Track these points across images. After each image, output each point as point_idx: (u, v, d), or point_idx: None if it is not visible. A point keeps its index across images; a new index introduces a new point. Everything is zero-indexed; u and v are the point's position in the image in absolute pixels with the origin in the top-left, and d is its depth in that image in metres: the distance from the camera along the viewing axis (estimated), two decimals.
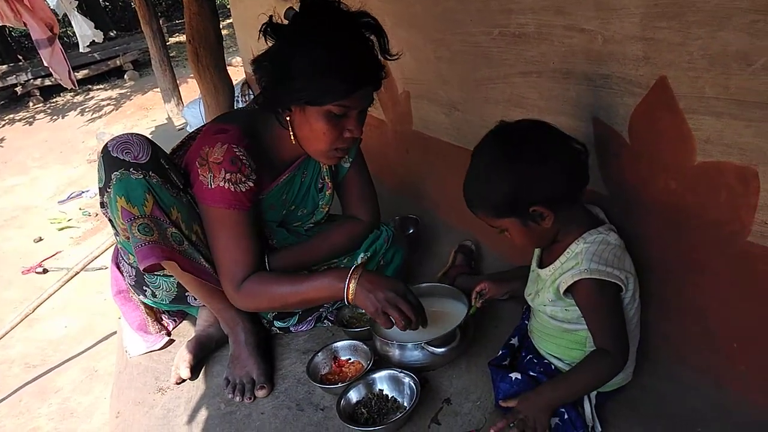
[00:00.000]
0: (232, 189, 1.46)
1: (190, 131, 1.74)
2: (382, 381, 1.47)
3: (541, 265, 1.35)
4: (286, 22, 1.44)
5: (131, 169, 1.41)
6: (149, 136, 1.52)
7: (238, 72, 6.45)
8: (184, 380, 1.67)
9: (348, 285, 1.39)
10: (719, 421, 1.23)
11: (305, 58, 1.34)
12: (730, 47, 1.02)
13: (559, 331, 1.32)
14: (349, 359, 1.61)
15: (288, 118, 1.48)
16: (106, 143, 1.46)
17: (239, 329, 1.63)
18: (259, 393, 1.55)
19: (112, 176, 1.41)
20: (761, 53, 0.98)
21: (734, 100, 1.05)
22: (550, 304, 1.30)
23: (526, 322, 1.50)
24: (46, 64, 4.43)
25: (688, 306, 1.33)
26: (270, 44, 1.43)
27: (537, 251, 1.40)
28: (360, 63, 1.36)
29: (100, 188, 1.47)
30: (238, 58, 7.37)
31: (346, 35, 1.36)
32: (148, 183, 1.42)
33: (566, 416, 1.21)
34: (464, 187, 1.26)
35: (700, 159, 1.16)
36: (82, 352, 3.19)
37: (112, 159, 1.42)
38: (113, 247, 1.81)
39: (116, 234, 1.57)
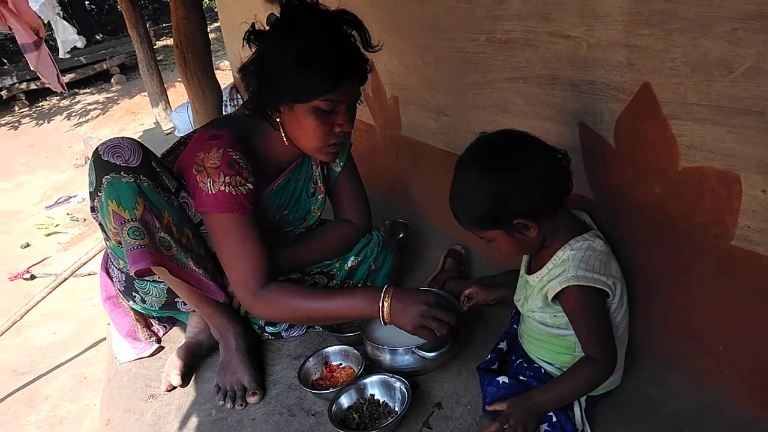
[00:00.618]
0: (233, 192, 1.45)
1: (179, 136, 1.74)
2: (373, 386, 1.47)
3: (530, 271, 1.36)
4: (268, 28, 1.45)
5: (122, 173, 1.41)
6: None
7: (226, 76, 6.45)
8: (174, 387, 1.66)
9: (382, 306, 1.40)
10: (706, 423, 1.25)
11: (288, 56, 1.36)
12: (711, 54, 1.04)
13: (548, 336, 1.33)
14: (341, 364, 1.61)
15: (278, 120, 1.49)
16: (97, 147, 1.46)
17: (230, 335, 1.63)
18: (251, 399, 1.55)
19: (103, 180, 1.41)
20: (741, 61, 1.00)
21: (716, 106, 1.07)
22: (539, 310, 1.31)
23: (515, 326, 1.52)
24: (32, 68, 4.39)
25: (675, 309, 1.35)
26: (254, 50, 1.45)
27: (525, 257, 1.41)
28: (341, 56, 1.38)
29: (90, 192, 1.47)
30: (226, 62, 7.35)
31: (326, 31, 1.38)
32: (139, 187, 1.42)
33: (555, 419, 1.22)
34: (449, 201, 1.27)
35: (683, 164, 1.18)
36: (71, 358, 3.17)
37: (103, 163, 1.42)
38: (102, 252, 1.80)
39: (106, 239, 1.56)
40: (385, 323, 1.43)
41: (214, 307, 1.62)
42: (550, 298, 1.26)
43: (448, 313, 1.39)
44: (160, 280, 1.58)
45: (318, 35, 1.37)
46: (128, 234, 1.39)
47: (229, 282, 1.55)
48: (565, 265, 1.23)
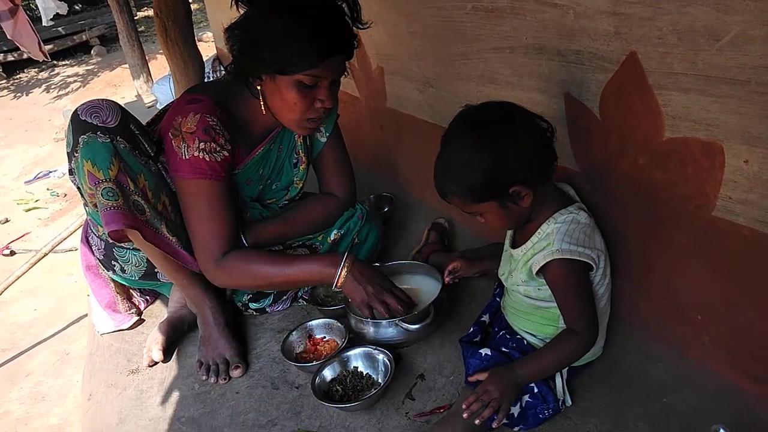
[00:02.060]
0: (207, 158, 1.44)
1: (161, 108, 1.71)
2: (356, 358, 1.47)
3: (514, 245, 1.36)
4: None
5: (98, 133, 1.39)
6: None
7: (209, 48, 6.31)
8: (156, 363, 1.65)
9: (340, 272, 1.46)
10: (684, 391, 1.27)
11: (276, 25, 1.34)
12: (698, 23, 1.03)
13: (532, 308, 1.33)
14: (324, 337, 1.61)
15: (259, 88, 1.46)
16: (77, 108, 1.44)
17: (206, 309, 1.62)
18: (234, 373, 1.54)
19: (80, 140, 1.39)
20: (728, 29, 0.98)
21: (702, 75, 1.06)
22: (523, 284, 1.31)
23: (498, 299, 1.52)
24: (9, 37, 4.25)
25: (656, 280, 1.35)
26: (242, 13, 1.42)
27: (510, 230, 1.41)
28: (330, 30, 1.36)
29: (68, 153, 1.45)
30: (209, 34, 7.20)
31: (317, 3, 1.36)
32: (115, 148, 1.39)
33: (536, 390, 1.23)
34: (437, 176, 1.23)
35: (668, 135, 1.17)
36: (53, 335, 3.14)
37: (80, 122, 1.40)
38: (82, 227, 1.77)
39: (85, 204, 1.54)
40: (334, 288, 1.48)
41: (189, 278, 1.60)
42: (534, 272, 1.25)
43: (399, 302, 1.45)
44: (138, 247, 1.56)
45: (308, 6, 1.34)
46: (102, 195, 1.37)
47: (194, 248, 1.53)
48: (550, 239, 1.23)
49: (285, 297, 1.78)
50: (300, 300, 1.81)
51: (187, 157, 1.44)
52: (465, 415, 1.18)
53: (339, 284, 1.47)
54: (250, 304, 1.75)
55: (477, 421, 1.17)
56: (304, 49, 1.33)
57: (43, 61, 4.17)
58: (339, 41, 1.38)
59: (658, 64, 1.13)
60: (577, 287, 1.24)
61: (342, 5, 1.40)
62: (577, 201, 1.32)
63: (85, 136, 1.38)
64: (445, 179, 1.23)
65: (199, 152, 1.43)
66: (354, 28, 1.43)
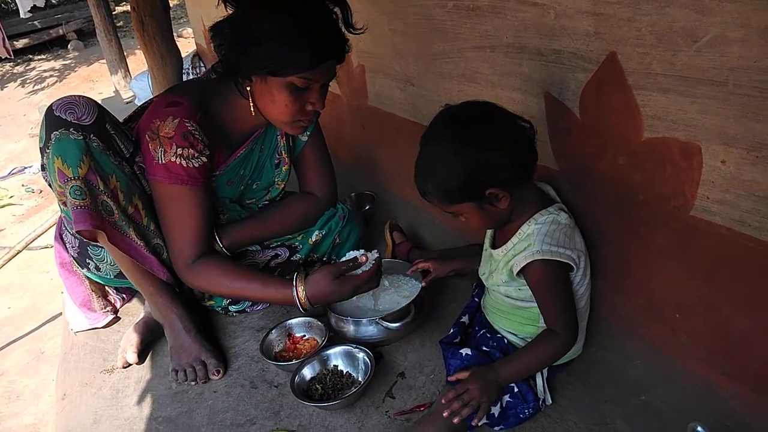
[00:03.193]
0: (184, 164, 1.42)
1: (139, 104, 1.68)
2: (336, 357, 1.46)
3: (494, 245, 1.36)
4: None
5: (71, 129, 1.36)
6: None
7: (189, 43, 6.25)
8: (130, 365, 1.62)
9: (298, 296, 1.40)
10: (662, 389, 1.28)
11: (271, 26, 1.31)
12: (677, 24, 1.03)
13: (512, 308, 1.34)
14: (304, 336, 1.60)
15: (248, 88, 1.44)
16: (52, 103, 1.41)
17: (173, 317, 1.57)
18: (214, 378, 1.51)
19: (52, 136, 1.36)
20: (706, 30, 0.99)
21: (680, 76, 1.07)
22: (504, 284, 1.31)
23: (477, 299, 1.52)
24: None
25: (635, 279, 1.36)
26: (229, 11, 1.39)
27: (489, 231, 1.41)
28: (326, 35, 1.34)
29: (41, 149, 1.41)
30: (189, 30, 7.12)
31: (312, 6, 1.33)
32: (87, 145, 1.37)
33: (516, 390, 1.23)
34: (416, 176, 1.23)
35: (647, 135, 1.18)
36: (28, 333, 3.08)
37: (54, 118, 1.37)
38: (56, 224, 1.74)
39: (59, 202, 1.51)
40: (305, 310, 1.42)
41: (157, 286, 1.57)
42: (515, 273, 1.25)
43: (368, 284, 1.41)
44: (107, 249, 1.53)
45: (304, 9, 1.32)
46: (70, 193, 1.35)
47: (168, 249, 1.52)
48: (530, 240, 1.23)
49: None
50: None
51: (163, 161, 1.41)
52: (445, 414, 1.17)
53: (306, 308, 1.41)
54: (230, 307, 1.73)
55: (456, 420, 1.17)
56: (300, 52, 1.31)
57: (5, 58, 4.11)
58: (334, 46, 1.36)
59: (638, 65, 1.14)
60: (557, 288, 1.24)
61: (335, 9, 1.38)
62: (557, 201, 1.33)
63: (57, 133, 1.35)
64: (423, 180, 1.22)
65: (176, 158, 1.41)
66: (347, 32, 1.41)
